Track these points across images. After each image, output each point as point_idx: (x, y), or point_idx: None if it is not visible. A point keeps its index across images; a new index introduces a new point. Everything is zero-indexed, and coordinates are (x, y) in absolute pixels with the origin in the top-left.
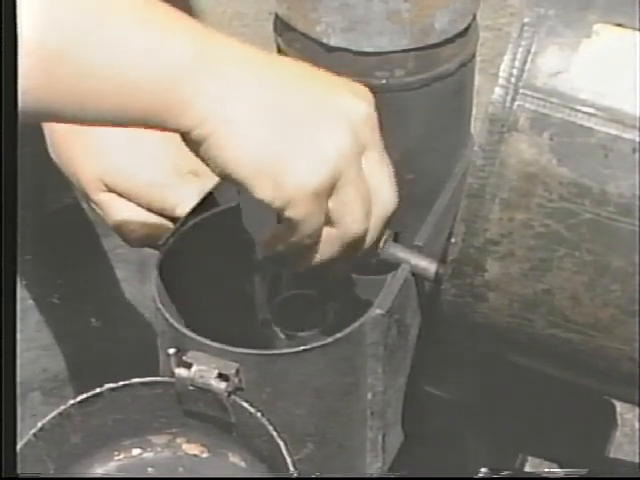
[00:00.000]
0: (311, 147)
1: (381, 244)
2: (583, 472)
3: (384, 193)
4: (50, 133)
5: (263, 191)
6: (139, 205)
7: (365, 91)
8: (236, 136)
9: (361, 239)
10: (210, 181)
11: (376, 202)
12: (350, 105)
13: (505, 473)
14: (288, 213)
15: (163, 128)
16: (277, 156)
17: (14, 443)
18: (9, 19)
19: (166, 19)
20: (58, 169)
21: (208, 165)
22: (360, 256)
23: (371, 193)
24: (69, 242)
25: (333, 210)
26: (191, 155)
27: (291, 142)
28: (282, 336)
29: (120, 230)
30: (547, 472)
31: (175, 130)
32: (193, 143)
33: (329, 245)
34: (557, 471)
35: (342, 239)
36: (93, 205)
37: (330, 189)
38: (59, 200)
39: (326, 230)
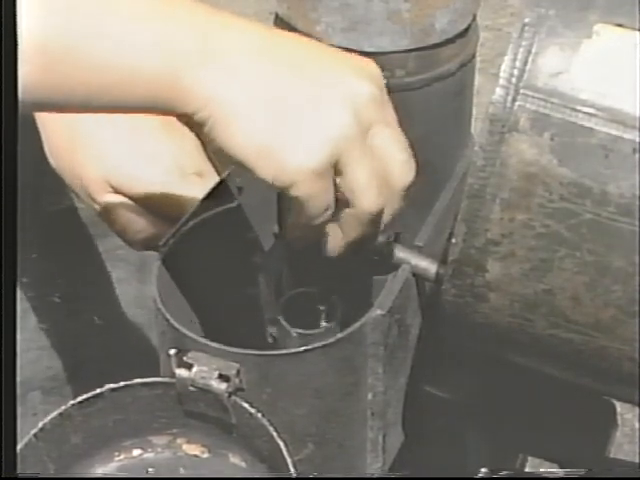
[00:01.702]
0: (310, 128)
1: (386, 240)
2: (583, 472)
3: (397, 165)
4: (49, 138)
5: (264, 171)
6: (144, 206)
7: (370, 68)
8: (236, 118)
9: (379, 215)
10: (214, 181)
11: (391, 175)
12: (352, 86)
13: (504, 473)
14: (292, 192)
15: (168, 113)
16: (276, 138)
17: (14, 443)
18: (9, 16)
19: (166, 8)
20: (53, 172)
21: (211, 146)
22: (368, 246)
23: (385, 167)
24: (69, 243)
25: (345, 190)
26: (195, 156)
27: (290, 124)
28: (293, 335)
29: (125, 231)
30: (547, 472)
31: (179, 114)
32: (196, 126)
33: (349, 225)
34: (557, 471)
35: (359, 217)
36: (97, 207)
37: (332, 169)
38: (58, 202)
39: (344, 212)
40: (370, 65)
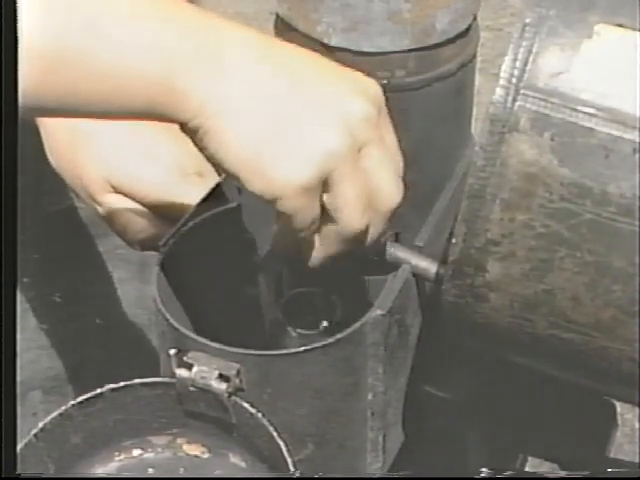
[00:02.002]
0: (301, 145)
1: (385, 241)
2: (585, 473)
3: (385, 188)
4: (49, 137)
5: (252, 184)
6: (145, 206)
7: (369, 86)
8: (227, 129)
9: (361, 234)
10: (214, 182)
11: (377, 197)
12: (347, 104)
13: (508, 473)
14: (279, 207)
15: (162, 119)
16: (267, 151)
17: (14, 443)
18: (9, 21)
19: (166, 12)
20: (53, 172)
21: (203, 153)
22: (364, 251)
23: (372, 188)
24: (69, 243)
25: (330, 206)
26: (196, 156)
27: (282, 138)
28: (294, 335)
29: (125, 231)
30: (550, 473)
31: (174, 121)
32: (190, 132)
33: (330, 240)
34: (559, 472)
35: (341, 234)
36: (98, 207)
37: (320, 185)
38: (59, 202)
39: (327, 226)
40: (369, 83)
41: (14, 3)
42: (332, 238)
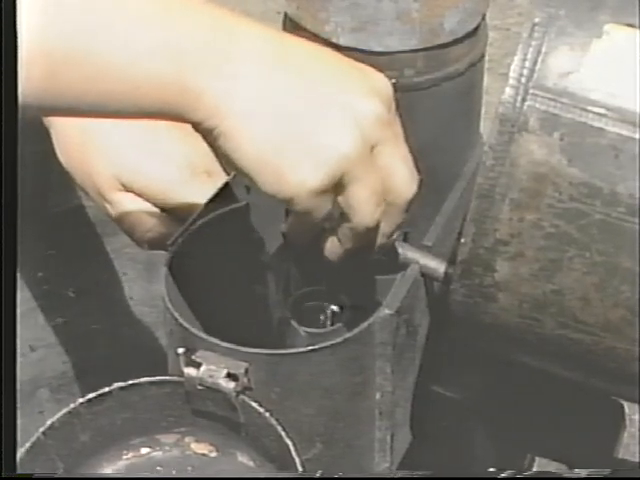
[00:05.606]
0: (314, 147)
1: (394, 240)
2: (606, 472)
3: (399, 181)
4: (59, 136)
5: (266, 185)
6: (154, 204)
7: (380, 83)
8: (242, 130)
9: (376, 227)
10: (223, 181)
11: (392, 191)
12: (359, 104)
13: (529, 473)
14: (292, 206)
15: (175, 119)
16: (280, 153)
17: (14, 443)
18: (9, 20)
19: (176, 9)
20: (62, 171)
21: (217, 153)
22: (380, 246)
23: (387, 183)
24: (76, 242)
25: (343, 205)
26: (205, 155)
27: (295, 140)
28: (302, 334)
29: (134, 230)
30: (570, 472)
31: (187, 121)
32: (204, 132)
33: (346, 237)
34: (580, 472)
35: (356, 230)
36: (107, 205)
37: (333, 187)
38: (66, 202)
39: (342, 223)
40: (380, 80)
41: (14, 3)
42: (348, 235)
